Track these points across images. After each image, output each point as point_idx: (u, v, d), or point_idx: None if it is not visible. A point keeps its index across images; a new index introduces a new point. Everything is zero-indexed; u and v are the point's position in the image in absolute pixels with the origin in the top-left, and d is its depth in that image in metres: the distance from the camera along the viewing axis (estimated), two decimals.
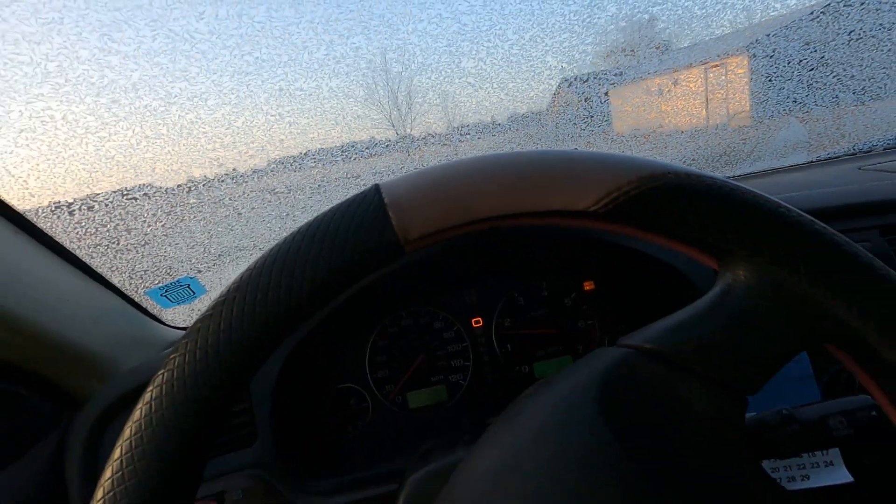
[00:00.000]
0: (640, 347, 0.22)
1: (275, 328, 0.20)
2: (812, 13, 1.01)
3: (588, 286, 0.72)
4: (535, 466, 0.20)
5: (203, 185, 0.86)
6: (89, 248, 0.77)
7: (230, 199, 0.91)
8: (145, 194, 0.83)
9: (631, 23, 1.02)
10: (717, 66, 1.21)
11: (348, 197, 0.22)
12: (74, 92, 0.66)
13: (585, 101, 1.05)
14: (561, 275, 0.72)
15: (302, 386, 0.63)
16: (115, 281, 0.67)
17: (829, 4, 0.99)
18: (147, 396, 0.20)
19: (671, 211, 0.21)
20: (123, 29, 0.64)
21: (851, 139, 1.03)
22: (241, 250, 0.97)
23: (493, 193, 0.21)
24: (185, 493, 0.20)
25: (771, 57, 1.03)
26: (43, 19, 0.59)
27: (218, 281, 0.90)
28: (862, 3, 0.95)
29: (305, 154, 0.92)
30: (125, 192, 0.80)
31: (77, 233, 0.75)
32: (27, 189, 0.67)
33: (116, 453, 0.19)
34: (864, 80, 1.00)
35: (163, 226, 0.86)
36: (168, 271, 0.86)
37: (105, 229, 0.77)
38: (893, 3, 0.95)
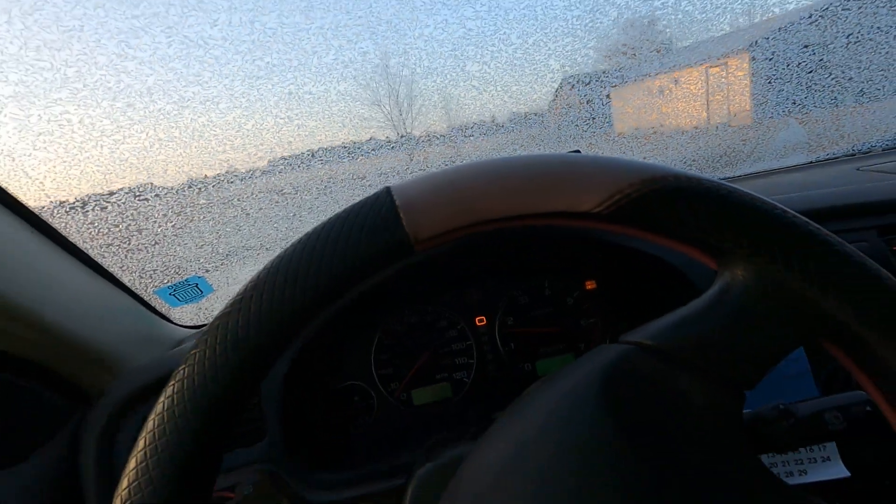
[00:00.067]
0: (641, 344, 0.22)
1: (291, 325, 0.21)
2: (810, 16, 1.01)
3: (590, 285, 0.72)
4: (540, 460, 0.20)
5: (212, 186, 0.87)
6: (101, 247, 0.78)
7: (238, 199, 0.92)
8: (156, 195, 0.84)
9: (632, 24, 1.03)
10: (717, 66, 1.21)
11: (360, 199, 0.23)
12: (91, 96, 0.67)
13: (587, 102, 1.05)
14: (563, 274, 0.72)
15: (309, 383, 0.63)
16: (126, 280, 0.68)
17: (827, 8, 1.00)
18: (169, 390, 0.20)
19: (671, 212, 0.21)
20: (140, 36, 0.66)
21: (850, 140, 1.03)
22: (248, 250, 0.98)
23: (500, 195, 0.22)
24: (207, 477, 0.21)
25: (770, 60, 1.04)
26: (64, 27, 0.60)
27: (225, 280, 0.90)
28: (859, 7, 0.96)
29: (312, 155, 0.93)
30: (137, 193, 0.81)
31: (90, 233, 0.76)
32: (43, 190, 0.68)
33: (140, 444, 0.20)
34: (863, 81, 1.01)
35: (173, 226, 0.87)
36: (177, 270, 0.86)
37: (117, 229, 0.79)
38: (890, 6, 0.96)
